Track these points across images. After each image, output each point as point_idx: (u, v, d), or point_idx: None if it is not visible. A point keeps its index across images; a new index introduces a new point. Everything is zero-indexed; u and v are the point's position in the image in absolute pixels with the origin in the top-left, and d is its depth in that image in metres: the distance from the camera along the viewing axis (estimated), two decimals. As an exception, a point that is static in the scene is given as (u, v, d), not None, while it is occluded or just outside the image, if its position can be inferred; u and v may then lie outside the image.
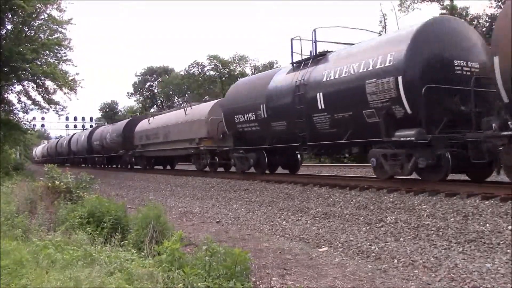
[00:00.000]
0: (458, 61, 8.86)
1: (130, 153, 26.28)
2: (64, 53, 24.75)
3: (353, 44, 11.54)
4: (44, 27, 23.53)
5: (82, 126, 67.48)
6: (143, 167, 25.13)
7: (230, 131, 15.17)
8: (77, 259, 4.60)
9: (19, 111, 26.11)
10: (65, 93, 24.61)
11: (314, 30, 12.07)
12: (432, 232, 6.62)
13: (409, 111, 8.78)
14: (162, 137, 21.50)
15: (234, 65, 56.37)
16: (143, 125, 25.57)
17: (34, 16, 21.86)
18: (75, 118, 70.07)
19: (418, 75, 8.66)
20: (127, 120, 30.00)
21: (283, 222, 8.99)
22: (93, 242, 5.67)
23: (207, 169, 18.30)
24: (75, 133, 48.54)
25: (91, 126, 59.03)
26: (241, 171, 14.94)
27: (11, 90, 25.50)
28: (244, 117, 14.08)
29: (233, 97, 15.27)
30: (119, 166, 31.03)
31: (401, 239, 6.73)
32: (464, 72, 8.86)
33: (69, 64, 25.11)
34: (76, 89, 24.64)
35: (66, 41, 24.34)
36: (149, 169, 24.89)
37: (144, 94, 69.24)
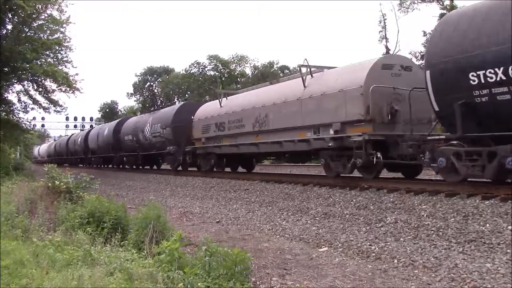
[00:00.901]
0: None
1: (188, 149, 19.31)
2: (65, 53, 24.84)
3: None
4: (44, 27, 23.56)
5: (82, 126, 67.37)
6: (209, 169, 18.05)
7: (447, 105, 8.16)
8: (77, 259, 4.60)
9: (19, 111, 26.19)
10: (64, 91, 24.68)
11: None
12: (432, 232, 6.62)
13: None
14: (251, 125, 14.52)
15: (234, 65, 56.43)
16: (209, 109, 18.43)
17: (34, 16, 21.87)
18: (75, 118, 70.07)
19: None
20: (178, 106, 22.88)
21: (283, 222, 8.99)
22: (93, 242, 5.67)
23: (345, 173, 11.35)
24: (93, 127, 42.89)
25: (91, 126, 58.78)
26: (466, 177, 8.35)
27: (11, 90, 25.58)
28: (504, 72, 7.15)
29: (460, 39, 8.08)
30: (155, 167, 25.46)
31: (401, 239, 6.74)
32: None
33: (69, 68, 25.18)
34: (76, 90, 24.70)
35: (66, 41, 24.40)
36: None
37: (144, 94, 69.23)
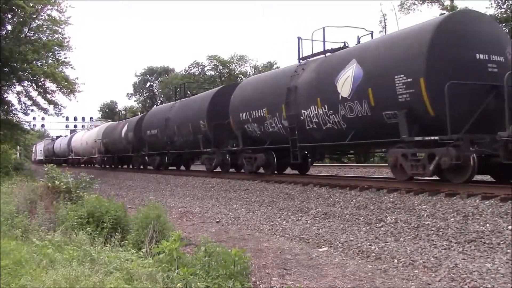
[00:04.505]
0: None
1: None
2: (65, 54, 24.86)
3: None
4: (44, 27, 23.57)
5: (82, 126, 67.29)
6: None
7: None
8: (76, 259, 4.60)
9: (18, 111, 26.21)
10: (64, 94, 24.71)
11: None
12: (432, 232, 6.62)
13: None
14: None
15: (233, 65, 56.40)
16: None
17: (34, 16, 21.88)
18: (75, 118, 70.09)
19: None
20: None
21: (283, 222, 8.99)
22: (93, 242, 5.67)
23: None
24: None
25: (92, 126, 58.50)
26: None
27: (11, 90, 25.61)
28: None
29: None
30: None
31: (401, 239, 6.73)
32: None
33: (68, 68, 25.18)
34: (76, 93, 24.72)
35: (65, 40, 24.42)
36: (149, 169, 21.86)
37: (144, 95, 69.25)
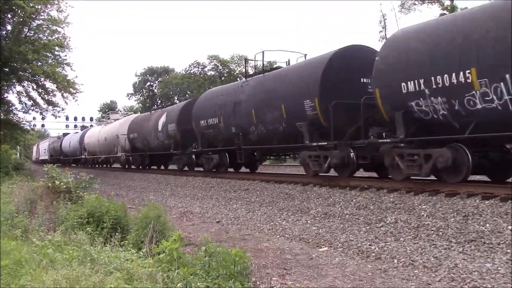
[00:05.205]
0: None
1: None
2: (65, 55, 24.81)
3: None
4: (43, 27, 23.54)
5: (82, 126, 67.31)
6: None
7: None
8: (76, 259, 4.60)
9: (19, 111, 26.20)
10: (64, 97, 24.66)
11: None
12: (432, 232, 6.62)
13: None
14: None
15: (234, 65, 56.48)
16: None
17: (34, 16, 21.86)
18: (75, 118, 70.21)
19: None
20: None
21: (283, 222, 8.99)
22: (93, 242, 5.67)
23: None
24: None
25: (91, 126, 58.37)
26: None
27: (11, 90, 25.59)
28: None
29: None
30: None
31: (401, 239, 6.73)
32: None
33: (66, 71, 25.12)
34: (76, 94, 24.65)
35: (65, 40, 24.36)
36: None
37: (144, 95, 69.27)
